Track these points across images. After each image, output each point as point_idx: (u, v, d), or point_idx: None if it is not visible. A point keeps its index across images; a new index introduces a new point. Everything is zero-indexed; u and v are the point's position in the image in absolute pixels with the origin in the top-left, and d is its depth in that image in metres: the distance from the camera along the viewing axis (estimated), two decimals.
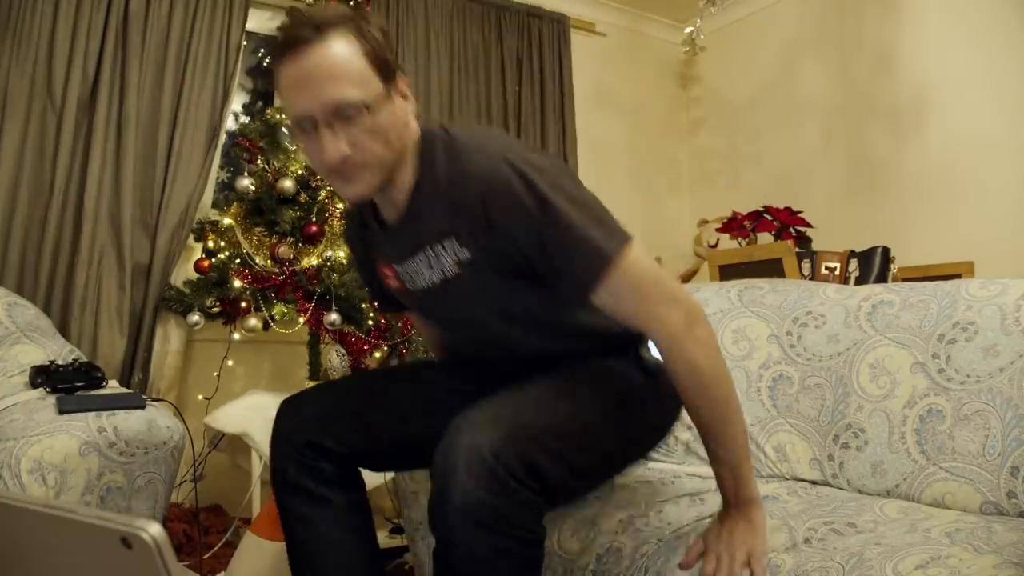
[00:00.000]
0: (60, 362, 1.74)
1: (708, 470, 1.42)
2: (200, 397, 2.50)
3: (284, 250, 2.19)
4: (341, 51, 0.99)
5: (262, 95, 3.01)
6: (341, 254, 2.23)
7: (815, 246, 2.80)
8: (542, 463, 0.95)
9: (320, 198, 2.25)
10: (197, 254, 2.38)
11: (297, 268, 2.19)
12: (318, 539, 1.20)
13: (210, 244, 2.30)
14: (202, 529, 2.21)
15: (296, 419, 1.23)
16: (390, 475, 1.89)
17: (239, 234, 2.25)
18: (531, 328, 1.18)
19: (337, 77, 0.98)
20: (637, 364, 1.20)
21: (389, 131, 1.03)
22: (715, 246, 3.18)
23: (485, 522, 0.90)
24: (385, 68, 1.02)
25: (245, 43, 2.68)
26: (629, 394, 1.18)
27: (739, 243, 2.90)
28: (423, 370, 1.39)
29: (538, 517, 0.97)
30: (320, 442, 1.20)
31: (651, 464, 1.60)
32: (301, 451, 1.20)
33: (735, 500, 1.09)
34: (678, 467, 1.60)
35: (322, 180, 2.25)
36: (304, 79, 0.98)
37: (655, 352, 1.15)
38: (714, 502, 1.32)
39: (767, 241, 2.82)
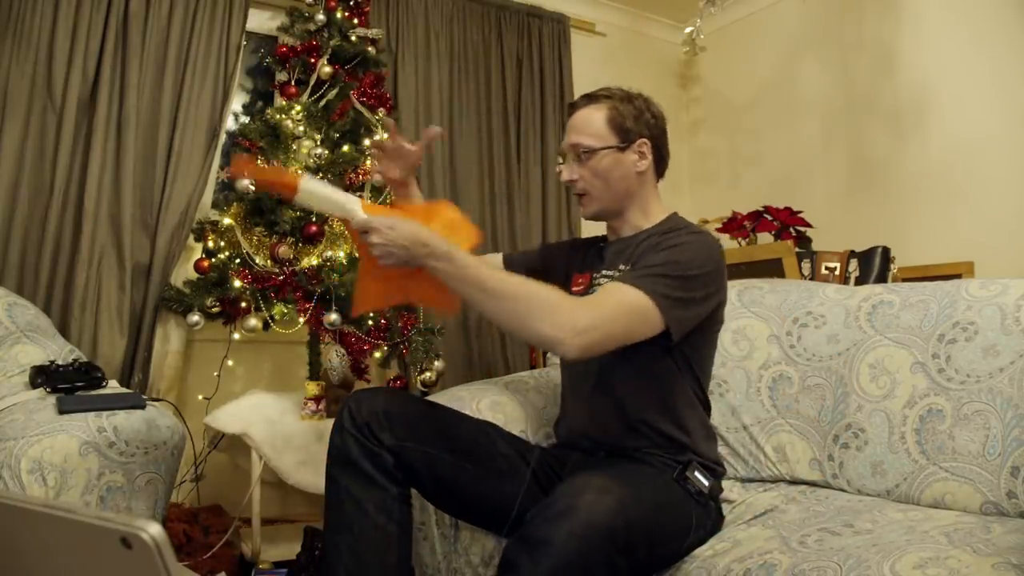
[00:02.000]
0: (60, 362, 1.74)
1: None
2: (200, 397, 2.50)
3: (284, 250, 2.19)
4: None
5: (262, 95, 3.01)
6: (341, 254, 2.22)
7: (815, 246, 2.80)
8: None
9: None
10: (197, 254, 2.38)
11: (297, 268, 2.19)
12: (365, 520, 1.25)
13: (210, 244, 2.29)
14: (202, 529, 2.21)
15: (366, 402, 1.31)
16: None
17: (239, 234, 2.25)
18: (633, 378, 1.36)
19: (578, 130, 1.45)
20: (682, 480, 1.29)
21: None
22: None
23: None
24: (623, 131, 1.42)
25: (245, 43, 2.68)
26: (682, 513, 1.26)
27: (739, 243, 2.90)
28: (490, 427, 1.46)
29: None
30: (377, 433, 1.28)
31: None
32: (361, 430, 1.27)
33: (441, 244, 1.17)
34: None
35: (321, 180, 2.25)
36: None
37: (702, 478, 1.29)
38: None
39: (767, 241, 2.82)
